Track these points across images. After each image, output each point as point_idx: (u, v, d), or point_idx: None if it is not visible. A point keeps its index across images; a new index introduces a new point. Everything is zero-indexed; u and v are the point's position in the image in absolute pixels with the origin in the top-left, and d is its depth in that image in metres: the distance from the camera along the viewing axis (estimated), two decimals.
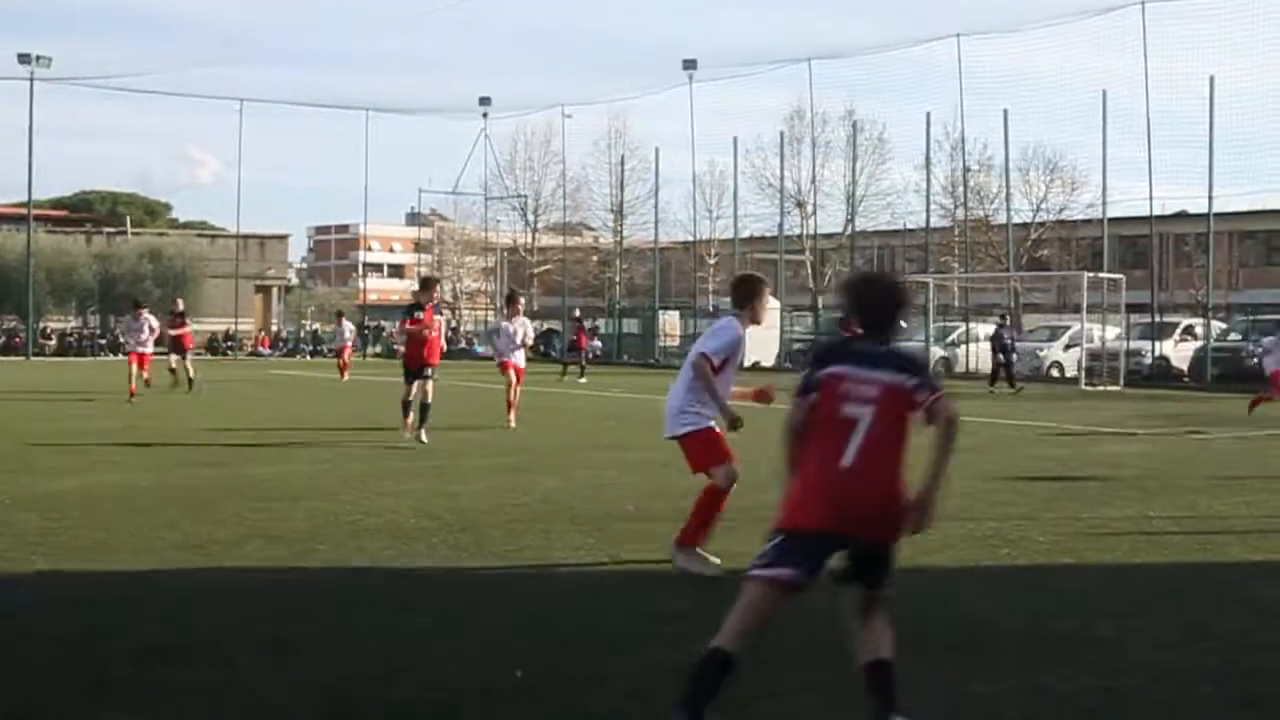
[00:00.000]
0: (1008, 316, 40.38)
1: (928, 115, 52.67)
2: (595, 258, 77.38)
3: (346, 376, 40.52)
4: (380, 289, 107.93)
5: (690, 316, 62.56)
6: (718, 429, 9.56)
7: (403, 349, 19.68)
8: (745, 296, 9.80)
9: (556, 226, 75.78)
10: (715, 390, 9.40)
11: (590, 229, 78.24)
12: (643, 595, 8.92)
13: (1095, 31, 65.71)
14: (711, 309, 62.87)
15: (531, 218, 75.90)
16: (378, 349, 66.57)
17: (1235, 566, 10.14)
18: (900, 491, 5.69)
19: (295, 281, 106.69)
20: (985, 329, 43.38)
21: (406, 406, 19.07)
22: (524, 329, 23.27)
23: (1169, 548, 10.95)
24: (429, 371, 19.09)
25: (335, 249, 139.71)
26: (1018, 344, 40.51)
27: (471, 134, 76.21)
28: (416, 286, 24.29)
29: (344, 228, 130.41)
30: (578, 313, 46.78)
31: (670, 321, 63.26)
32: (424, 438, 18.46)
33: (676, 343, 60.93)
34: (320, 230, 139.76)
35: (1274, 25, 69.20)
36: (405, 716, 6.22)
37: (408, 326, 19.41)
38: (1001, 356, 37.17)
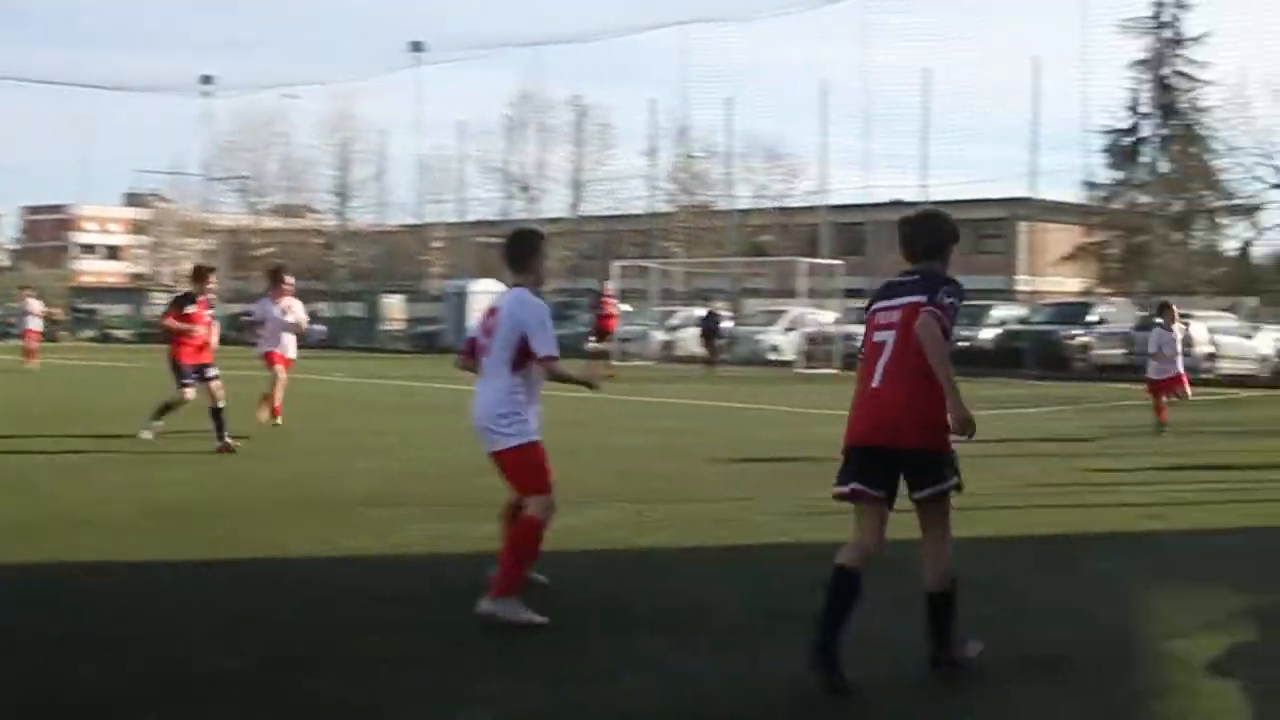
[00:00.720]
0: (714, 301, 41.03)
1: (652, 101, 53.25)
2: (319, 240, 76.21)
3: (35, 362, 36.63)
4: (97, 270, 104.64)
5: (415, 300, 62.18)
6: (539, 442, 7.77)
7: (173, 346, 16.56)
8: (525, 255, 8.03)
9: (279, 208, 74.45)
10: (571, 377, 8.23)
11: (314, 211, 77.03)
12: (362, 581, 8.81)
13: (817, 23, 67.35)
14: (435, 292, 62.56)
15: (254, 199, 74.42)
16: (92, 333, 64.35)
17: (958, 541, 10.42)
18: (927, 403, 6.34)
19: (6, 263, 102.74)
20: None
21: (168, 409, 16.45)
22: (295, 312, 19.22)
23: (890, 527, 11.18)
24: (211, 371, 16.50)
25: (49, 230, 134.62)
26: (727, 327, 41.35)
27: (193, 113, 74.41)
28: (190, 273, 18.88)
29: (58, 208, 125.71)
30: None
31: (394, 306, 62.74)
32: (231, 442, 15.74)
33: (400, 327, 60.51)
34: (33, 210, 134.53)
35: (985, 21, 71.79)
36: (101, 709, 6.05)
37: (171, 323, 16.66)
38: (707, 339, 38.05)
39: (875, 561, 6.59)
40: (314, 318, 52.03)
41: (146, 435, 16.30)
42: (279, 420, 18.30)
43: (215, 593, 8.46)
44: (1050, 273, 61.15)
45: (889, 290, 6.61)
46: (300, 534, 10.34)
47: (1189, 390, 20.61)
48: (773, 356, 45.06)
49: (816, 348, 42.21)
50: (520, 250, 8.06)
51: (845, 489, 6.57)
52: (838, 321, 44.58)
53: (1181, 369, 20.40)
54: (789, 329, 45.26)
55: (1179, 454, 17.40)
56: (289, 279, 19.46)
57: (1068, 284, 58.20)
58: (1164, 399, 20.20)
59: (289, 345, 19.05)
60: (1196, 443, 19.20)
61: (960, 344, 41.94)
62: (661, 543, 10.23)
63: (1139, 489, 13.86)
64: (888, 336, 6.41)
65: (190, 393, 16.33)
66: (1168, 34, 59.56)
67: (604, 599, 8.36)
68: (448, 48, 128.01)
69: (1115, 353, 38.61)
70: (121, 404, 21.55)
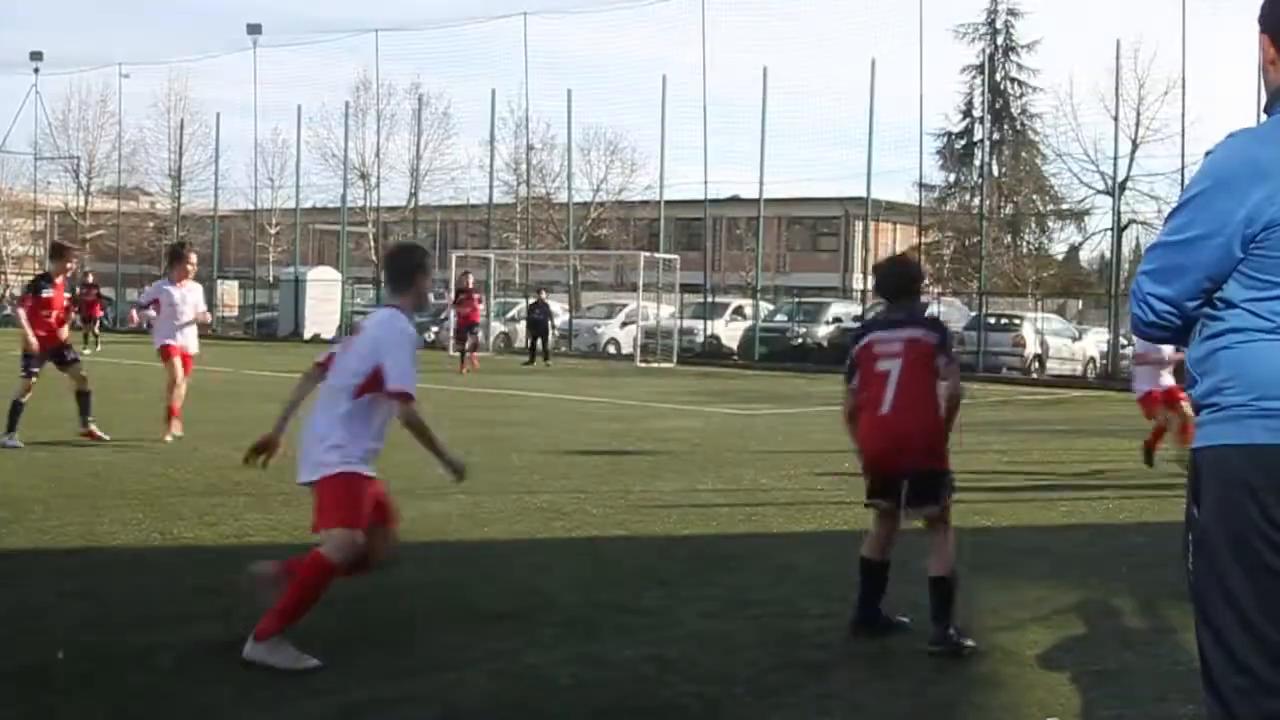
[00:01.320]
0: (543, 292, 40.97)
1: (493, 92, 52.98)
2: (152, 224, 74.59)
3: None
4: None
5: (250, 287, 61.30)
6: (367, 477, 6.76)
7: (29, 331, 14.87)
8: (406, 271, 7.08)
9: (111, 190, 72.75)
10: (434, 441, 6.91)
11: (147, 194, 75.38)
12: (191, 571, 8.64)
13: (658, 17, 67.33)
14: (271, 279, 61.71)
15: (84, 180, 72.67)
16: None
17: (778, 537, 10.54)
18: (934, 426, 7.30)
19: None
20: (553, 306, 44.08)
21: (19, 408, 14.72)
22: (196, 300, 16.23)
23: (716, 520, 11.27)
24: (69, 354, 15.29)
25: None
26: (555, 320, 41.40)
27: (21, 90, 72.50)
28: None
29: None
30: (90, 279, 43.43)
31: (229, 291, 61.81)
32: (96, 430, 15.02)
33: (235, 313, 59.60)
34: None
35: (822, 21, 72.61)
36: None
37: (23, 310, 15.22)
38: (538, 330, 38.03)
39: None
40: (108, 301, 50.83)
41: (14, 444, 14.45)
42: (178, 432, 15.54)
43: (38, 584, 8.24)
44: None
45: (883, 324, 7.57)
46: (131, 524, 10.12)
47: None
48: (611, 350, 45.18)
49: (654, 341, 42.35)
50: (400, 266, 7.10)
51: (871, 501, 7.43)
52: (673, 316, 44.75)
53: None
54: (627, 323, 45.39)
55: (1009, 452, 17.73)
56: (192, 258, 16.62)
57: None
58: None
59: (190, 338, 16.11)
60: (1026, 441, 19.60)
61: (796, 341, 42.65)
62: (498, 535, 10.18)
63: (970, 486, 14.05)
64: (892, 366, 7.22)
65: (32, 382, 14.95)
66: (1000, 40, 60.89)
67: (441, 591, 8.30)
68: (286, 31, 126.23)
69: None
70: None
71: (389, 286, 7.18)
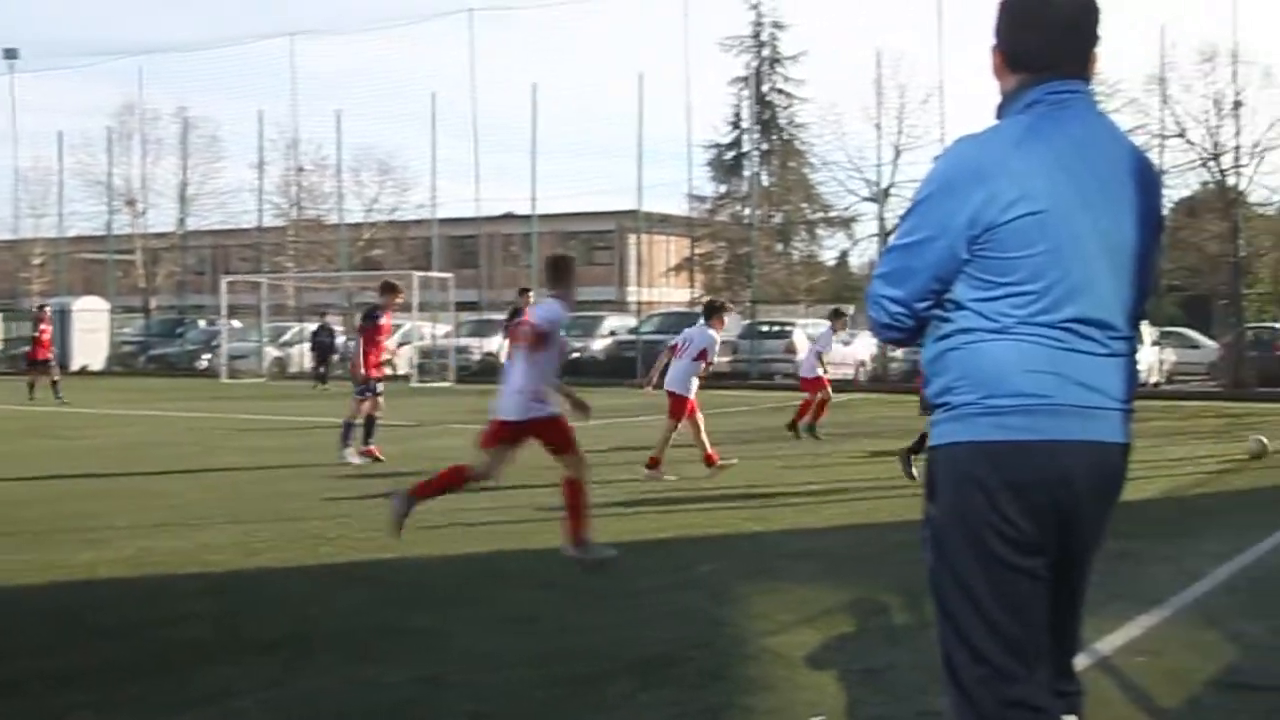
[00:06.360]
0: (326, 315, 40.51)
1: (261, 114, 52.27)
2: None
3: None
4: None
5: (14, 319, 59.45)
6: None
7: None
8: (562, 275, 10.29)
9: None
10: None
11: None
12: None
13: (426, 36, 67.25)
14: (37, 308, 59.80)
15: None
16: None
17: (549, 552, 10.48)
18: None
19: None
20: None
21: None
22: None
23: (487, 537, 11.23)
24: None
25: None
26: (340, 342, 40.97)
27: None
28: None
29: None
30: None
31: None
32: None
33: (1, 347, 57.82)
34: None
35: (591, 37, 73.06)
36: None
37: None
38: (320, 354, 37.59)
39: None
40: None
41: None
42: None
43: None
44: (660, 283, 62.57)
45: None
46: None
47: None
48: (388, 371, 44.72)
49: (431, 361, 42.12)
50: (559, 273, 10.41)
51: None
52: (449, 334, 44.56)
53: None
54: (403, 343, 45.06)
55: (783, 456, 18.01)
56: None
57: (676, 295, 59.67)
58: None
59: None
60: (799, 445, 19.92)
61: (573, 355, 42.75)
62: (269, 563, 10.02)
63: (744, 490, 14.25)
64: None
65: None
66: (766, 52, 61.92)
67: (211, 622, 8.13)
68: (45, 55, 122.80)
69: (722, 360, 39.68)
70: None
71: (550, 285, 10.32)
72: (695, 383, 15.78)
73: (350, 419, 17.71)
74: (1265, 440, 17.74)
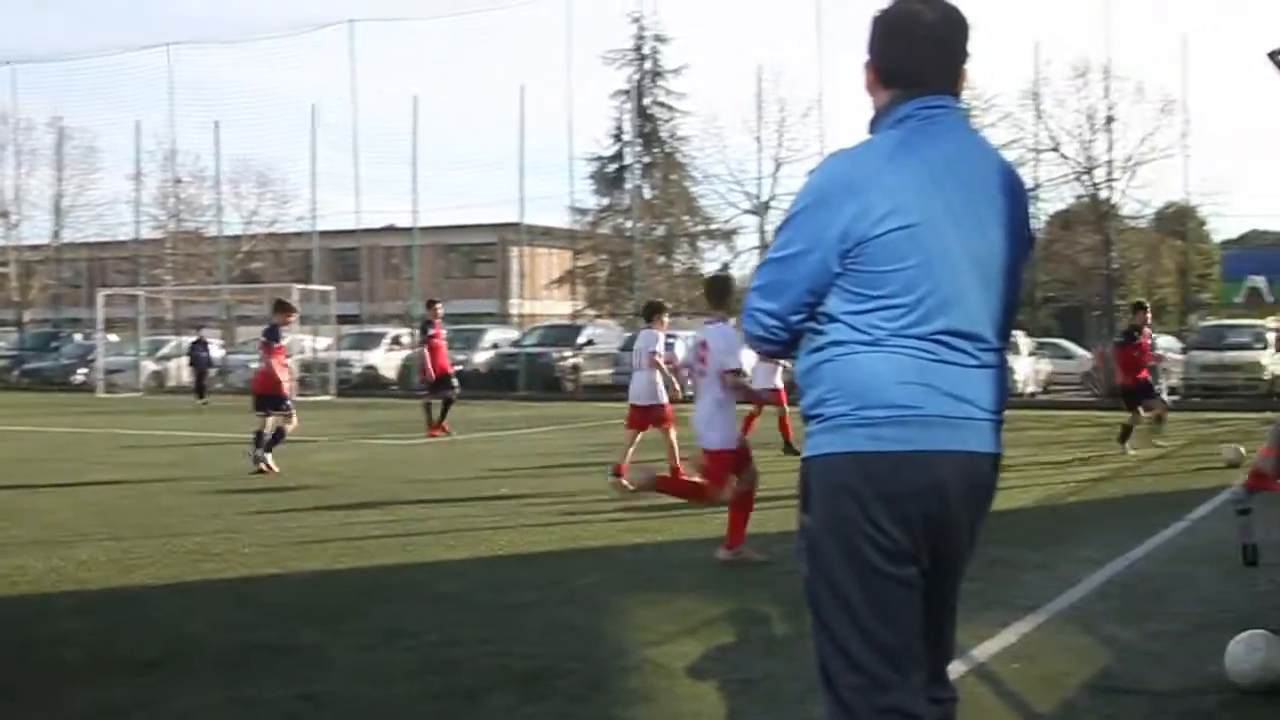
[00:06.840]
0: (202, 330, 40.09)
1: (138, 125, 51.61)
2: None
3: None
4: None
5: None
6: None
7: None
8: (723, 294, 11.27)
9: None
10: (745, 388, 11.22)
11: None
12: None
13: (307, 47, 66.71)
14: None
15: None
16: None
17: (433, 566, 10.49)
18: None
19: None
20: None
21: None
22: None
23: (372, 552, 11.16)
24: None
25: None
26: (217, 356, 40.51)
27: None
28: None
29: None
30: None
31: None
32: None
33: None
34: None
35: (473, 50, 72.79)
36: None
37: None
38: (199, 369, 37.11)
39: None
40: None
41: None
42: None
43: None
44: (543, 296, 62.57)
45: None
46: None
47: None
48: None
49: (312, 375, 41.77)
50: (720, 291, 11.46)
51: None
52: (330, 348, 44.22)
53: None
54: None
55: (663, 469, 18.05)
56: None
57: (559, 307, 59.70)
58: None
59: None
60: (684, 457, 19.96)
61: (456, 368, 42.58)
62: (147, 580, 9.89)
63: (625, 503, 14.27)
64: None
65: None
66: (648, 65, 62.14)
67: (86, 640, 8.01)
68: None
69: (604, 373, 39.75)
70: None
71: (714, 305, 11.24)
72: (661, 387, 15.90)
73: (261, 429, 17.74)
74: (1242, 449, 17.65)
